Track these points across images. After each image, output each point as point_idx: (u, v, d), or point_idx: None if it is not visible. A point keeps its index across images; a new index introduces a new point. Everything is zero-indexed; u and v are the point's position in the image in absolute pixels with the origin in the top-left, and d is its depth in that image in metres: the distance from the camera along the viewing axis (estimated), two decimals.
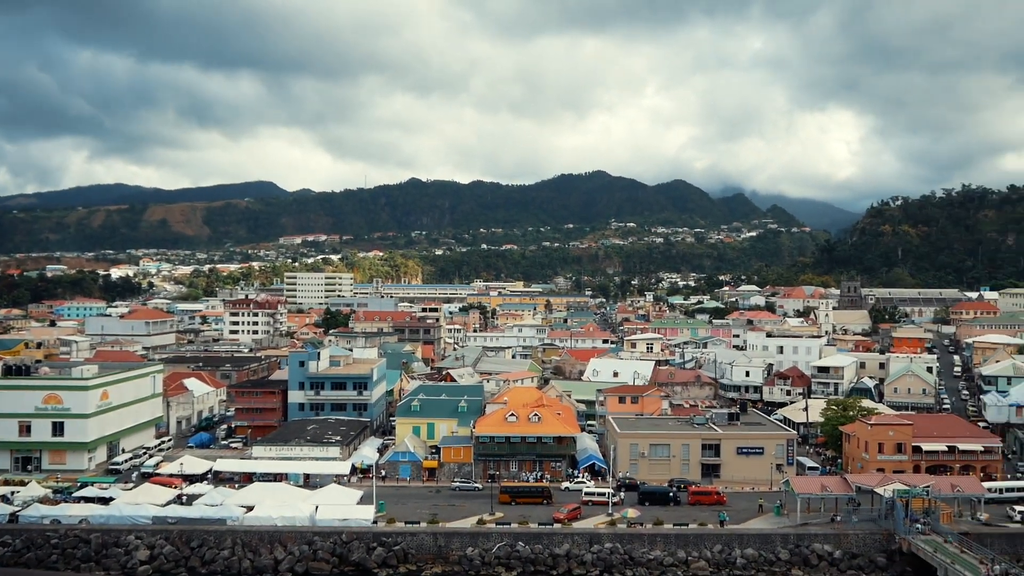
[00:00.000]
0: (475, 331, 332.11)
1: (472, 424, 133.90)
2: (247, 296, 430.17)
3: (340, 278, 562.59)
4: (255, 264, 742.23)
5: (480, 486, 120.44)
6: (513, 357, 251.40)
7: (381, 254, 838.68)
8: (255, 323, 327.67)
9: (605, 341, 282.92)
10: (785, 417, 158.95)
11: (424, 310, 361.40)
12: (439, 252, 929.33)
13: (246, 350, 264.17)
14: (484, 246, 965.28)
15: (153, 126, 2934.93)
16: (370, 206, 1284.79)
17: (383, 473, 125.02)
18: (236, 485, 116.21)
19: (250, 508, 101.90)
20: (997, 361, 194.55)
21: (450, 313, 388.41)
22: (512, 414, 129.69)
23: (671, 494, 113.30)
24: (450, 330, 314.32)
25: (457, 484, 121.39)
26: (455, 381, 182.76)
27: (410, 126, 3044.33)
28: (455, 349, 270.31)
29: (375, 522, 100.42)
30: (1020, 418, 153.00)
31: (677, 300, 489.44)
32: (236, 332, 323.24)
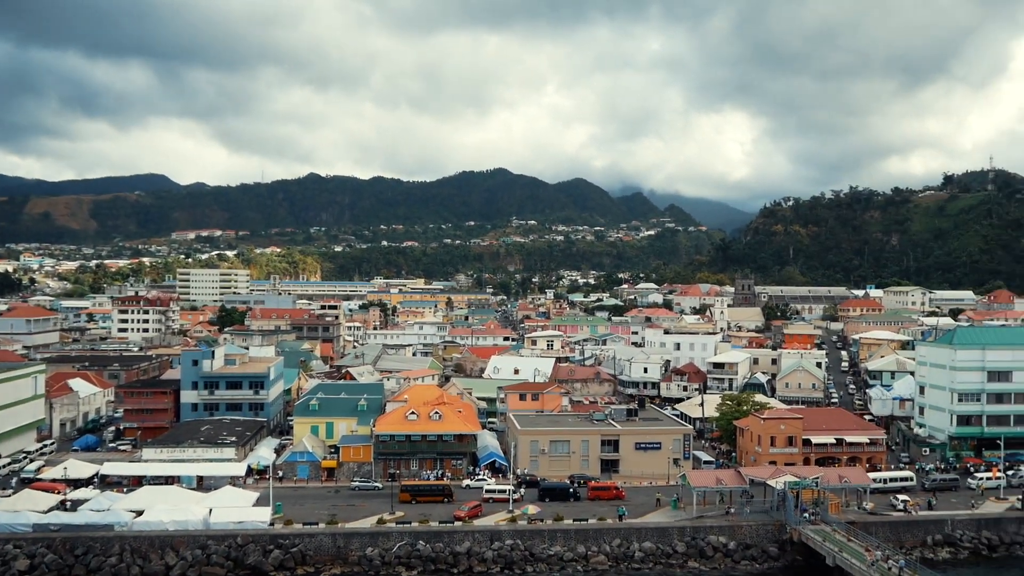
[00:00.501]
0: (375, 329, 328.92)
1: (372, 423, 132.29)
2: (137, 293, 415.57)
3: (236, 275, 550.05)
4: (146, 260, 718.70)
5: (380, 485, 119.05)
6: (414, 355, 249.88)
7: (279, 250, 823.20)
8: (145, 321, 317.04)
9: (506, 338, 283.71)
10: (682, 412, 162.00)
11: (323, 307, 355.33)
12: (339, 249, 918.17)
13: (136, 349, 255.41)
14: (385, 243, 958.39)
15: (34, 114, 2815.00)
16: (267, 201, 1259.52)
17: (280, 474, 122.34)
18: (124, 489, 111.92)
19: (139, 513, 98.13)
20: (882, 356, 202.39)
21: (350, 311, 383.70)
22: (413, 412, 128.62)
23: (571, 490, 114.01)
24: (350, 328, 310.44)
25: (357, 484, 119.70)
26: (355, 379, 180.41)
27: (308, 120, 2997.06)
28: (355, 347, 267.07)
29: (272, 524, 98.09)
30: (903, 411, 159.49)
31: (577, 298, 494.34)
32: (125, 330, 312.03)
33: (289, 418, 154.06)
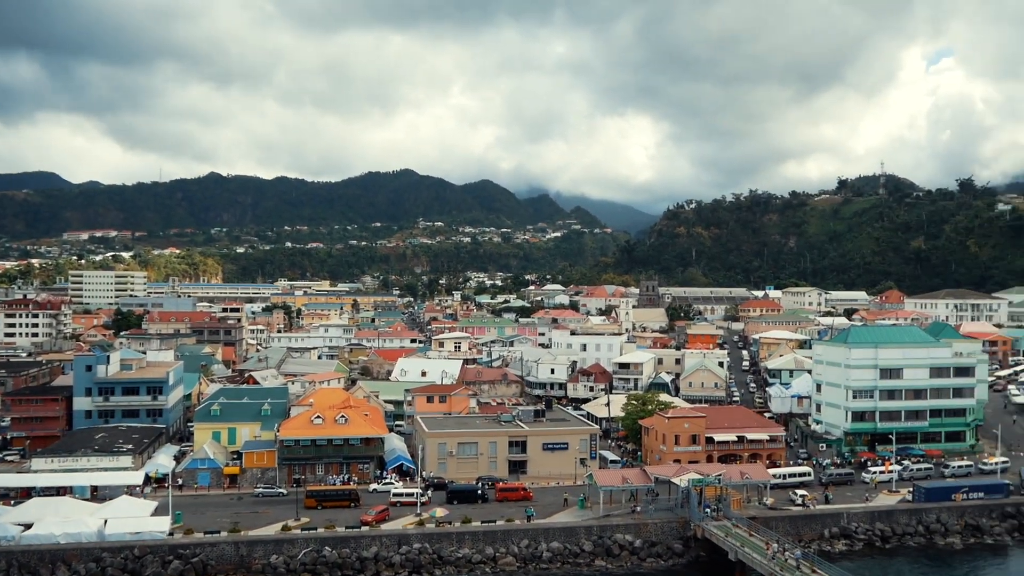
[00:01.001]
0: (279, 332, 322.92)
1: (276, 427, 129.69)
2: (25, 296, 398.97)
3: (132, 277, 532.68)
4: (35, 261, 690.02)
5: (285, 491, 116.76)
6: (319, 358, 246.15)
7: (178, 252, 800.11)
8: (35, 325, 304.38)
9: (413, 341, 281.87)
10: (588, 412, 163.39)
11: (225, 310, 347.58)
12: (241, 250, 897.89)
13: (24, 354, 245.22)
14: (289, 244, 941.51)
15: None
16: (166, 201, 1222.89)
17: (180, 482, 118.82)
18: (12, 501, 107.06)
19: (28, 526, 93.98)
20: (780, 355, 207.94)
21: (253, 313, 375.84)
22: (318, 416, 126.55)
23: (479, 492, 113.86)
24: (252, 331, 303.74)
25: (260, 490, 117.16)
26: (258, 384, 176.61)
27: (208, 118, 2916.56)
28: (258, 350, 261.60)
29: (171, 534, 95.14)
30: (801, 408, 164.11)
31: (484, 299, 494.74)
32: (12, 335, 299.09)
33: (189, 424, 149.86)
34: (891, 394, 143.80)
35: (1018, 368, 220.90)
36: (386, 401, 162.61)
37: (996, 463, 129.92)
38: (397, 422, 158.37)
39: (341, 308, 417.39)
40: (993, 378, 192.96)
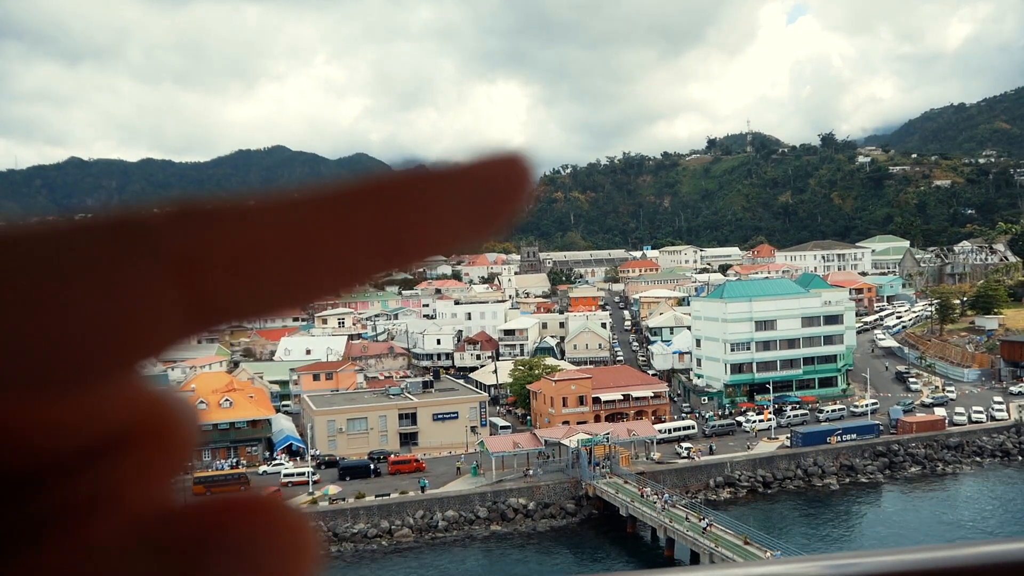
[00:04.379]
0: None
1: None
2: None
3: None
4: None
5: None
6: (198, 342, 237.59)
7: None
8: None
9: (295, 319, 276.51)
10: (477, 381, 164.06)
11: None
12: None
13: None
14: None
15: None
16: (24, 189, 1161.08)
17: None
18: None
19: None
20: (661, 314, 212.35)
21: None
22: (201, 401, 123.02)
23: (371, 467, 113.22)
24: None
25: None
26: None
27: (59, 99, 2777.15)
28: None
29: None
30: (682, 364, 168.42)
31: None
32: None
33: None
34: (767, 345, 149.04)
35: (883, 314, 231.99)
36: (271, 382, 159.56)
37: (866, 405, 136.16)
38: (284, 402, 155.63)
39: None
40: (861, 324, 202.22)
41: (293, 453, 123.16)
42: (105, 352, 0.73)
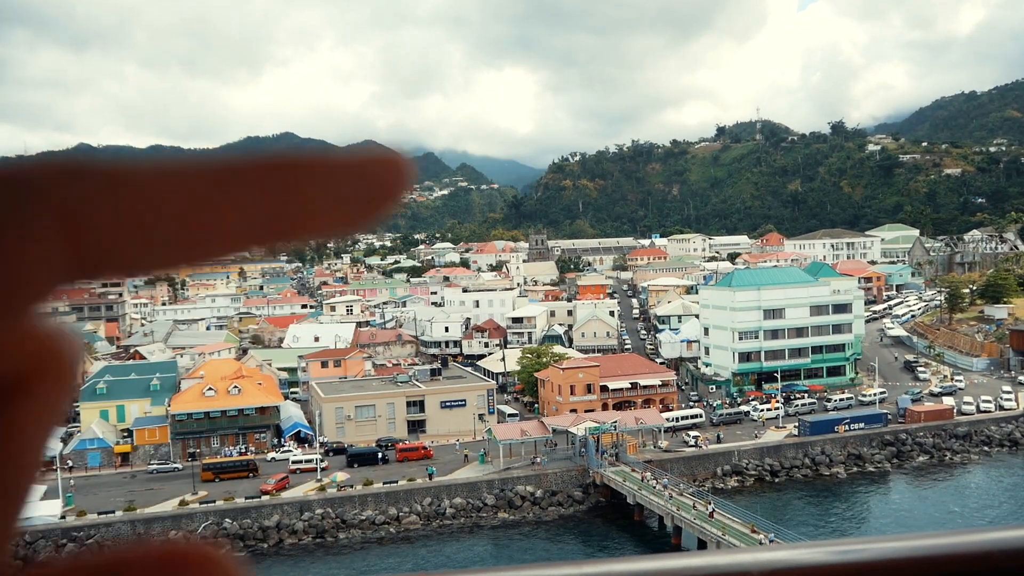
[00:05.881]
0: (164, 304, 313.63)
1: (167, 402, 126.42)
2: None
3: None
4: None
5: (180, 466, 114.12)
6: (208, 329, 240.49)
7: None
8: None
9: (304, 306, 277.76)
10: (485, 368, 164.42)
11: (105, 285, 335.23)
12: None
13: None
14: None
15: None
16: None
17: (69, 464, 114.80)
18: None
19: None
20: (669, 302, 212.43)
21: (135, 287, 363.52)
22: (210, 388, 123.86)
23: (379, 454, 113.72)
24: (136, 305, 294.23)
25: (154, 467, 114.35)
26: (145, 359, 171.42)
27: (67, 85, 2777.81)
28: (143, 325, 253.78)
29: (63, 517, 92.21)
30: (690, 352, 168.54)
31: (374, 261, 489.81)
32: None
33: (75, 404, 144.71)
34: (775, 334, 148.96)
35: (892, 303, 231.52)
36: (280, 369, 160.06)
37: (874, 394, 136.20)
38: (292, 389, 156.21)
39: (227, 277, 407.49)
40: (870, 312, 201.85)
41: (301, 440, 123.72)
42: None
